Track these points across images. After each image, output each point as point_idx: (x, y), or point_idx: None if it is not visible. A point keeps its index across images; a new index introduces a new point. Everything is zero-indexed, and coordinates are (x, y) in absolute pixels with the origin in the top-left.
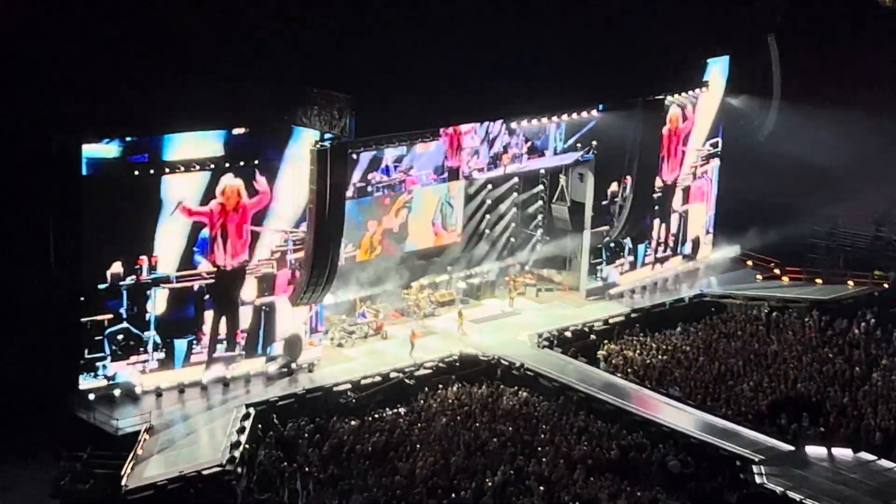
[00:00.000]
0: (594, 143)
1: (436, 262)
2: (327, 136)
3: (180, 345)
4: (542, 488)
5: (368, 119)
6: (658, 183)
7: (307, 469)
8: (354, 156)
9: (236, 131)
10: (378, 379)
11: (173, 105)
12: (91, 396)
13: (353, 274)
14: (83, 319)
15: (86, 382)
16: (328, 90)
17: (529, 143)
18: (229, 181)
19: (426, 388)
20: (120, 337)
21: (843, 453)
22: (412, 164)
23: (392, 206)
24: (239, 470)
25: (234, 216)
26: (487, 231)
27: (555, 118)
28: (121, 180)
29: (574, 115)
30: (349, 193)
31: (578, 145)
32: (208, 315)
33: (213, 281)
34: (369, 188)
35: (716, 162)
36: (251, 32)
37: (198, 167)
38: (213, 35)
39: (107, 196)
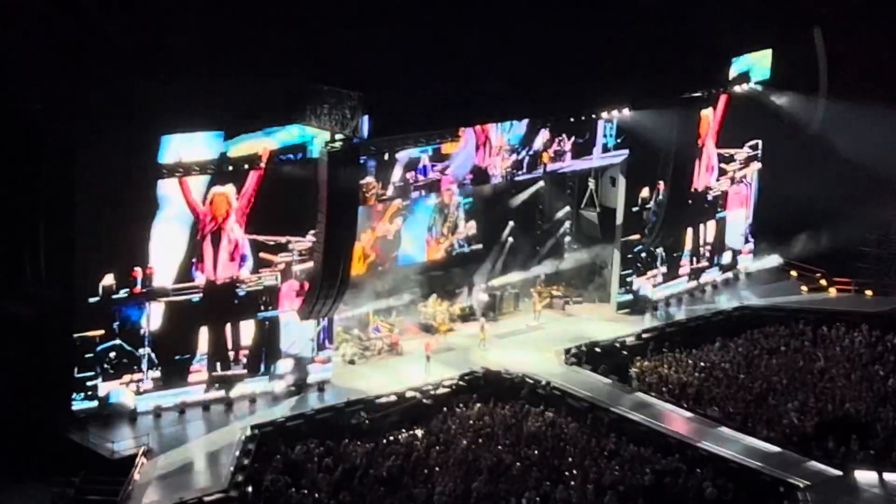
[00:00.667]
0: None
1: (456, 272)
2: (338, 136)
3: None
4: None
5: (383, 118)
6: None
7: (316, 495)
8: (386, 156)
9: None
10: (393, 398)
11: (173, 103)
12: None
13: (367, 285)
14: (74, 335)
15: (78, 404)
16: (339, 88)
17: (573, 140)
18: (218, 188)
19: (445, 409)
20: (112, 354)
21: None
22: (449, 163)
23: (385, 212)
24: (244, 496)
25: (225, 226)
26: (511, 240)
27: (583, 116)
28: (116, 184)
29: (604, 114)
30: (389, 193)
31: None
32: (205, 331)
33: (205, 294)
34: (409, 188)
35: (755, 165)
36: (256, 26)
37: (197, 170)
38: (215, 29)
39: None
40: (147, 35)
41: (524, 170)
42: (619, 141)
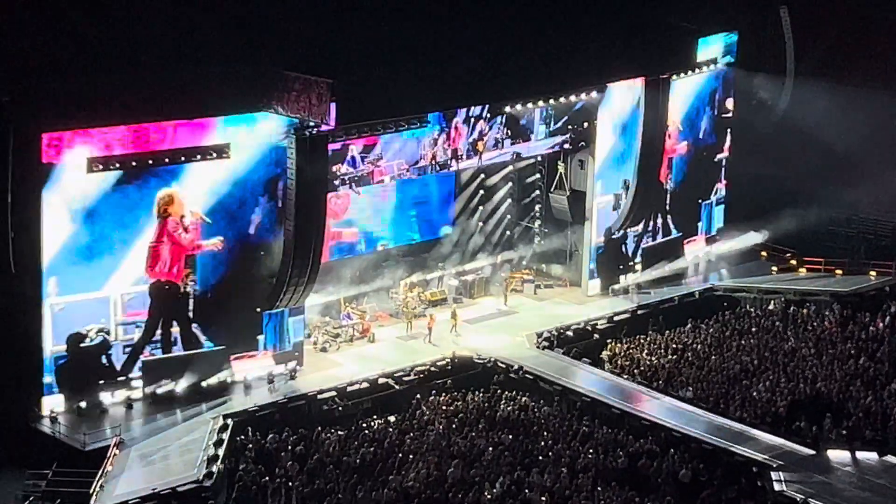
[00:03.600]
0: (586, 124)
1: (426, 258)
2: (306, 124)
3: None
4: (544, 500)
5: (351, 105)
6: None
7: (290, 484)
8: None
9: None
10: (365, 385)
11: (135, 92)
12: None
13: (337, 272)
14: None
15: (50, 399)
16: (306, 74)
17: (508, 129)
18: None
19: (418, 395)
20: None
21: (868, 457)
22: (382, 154)
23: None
24: (216, 486)
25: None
26: (481, 224)
27: (552, 100)
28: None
29: (573, 98)
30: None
31: (570, 127)
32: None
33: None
34: (336, 182)
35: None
36: (218, 10)
37: (168, 161)
38: (176, 14)
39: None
40: (115, 25)
41: (462, 159)
42: (557, 126)
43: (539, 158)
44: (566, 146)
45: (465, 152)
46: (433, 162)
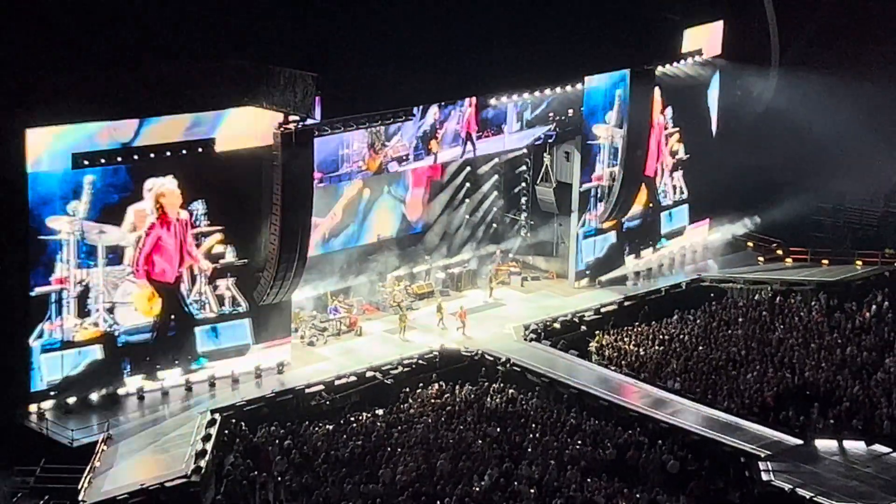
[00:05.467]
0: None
1: (413, 251)
2: (291, 118)
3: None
4: (532, 492)
5: (336, 99)
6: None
7: (279, 478)
8: None
9: None
10: (353, 379)
11: (119, 87)
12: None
13: (324, 266)
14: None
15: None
16: (291, 68)
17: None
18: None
19: (405, 388)
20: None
21: (856, 446)
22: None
23: None
24: (205, 480)
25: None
26: (467, 217)
27: (537, 93)
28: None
29: (558, 90)
30: None
31: (552, 115)
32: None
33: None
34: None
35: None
36: (202, 4)
37: (153, 155)
38: (159, 9)
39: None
40: (98, 20)
41: (411, 159)
42: (535, 115)
43: (525, 150)
44: (549, 139)
45: (410, 153)
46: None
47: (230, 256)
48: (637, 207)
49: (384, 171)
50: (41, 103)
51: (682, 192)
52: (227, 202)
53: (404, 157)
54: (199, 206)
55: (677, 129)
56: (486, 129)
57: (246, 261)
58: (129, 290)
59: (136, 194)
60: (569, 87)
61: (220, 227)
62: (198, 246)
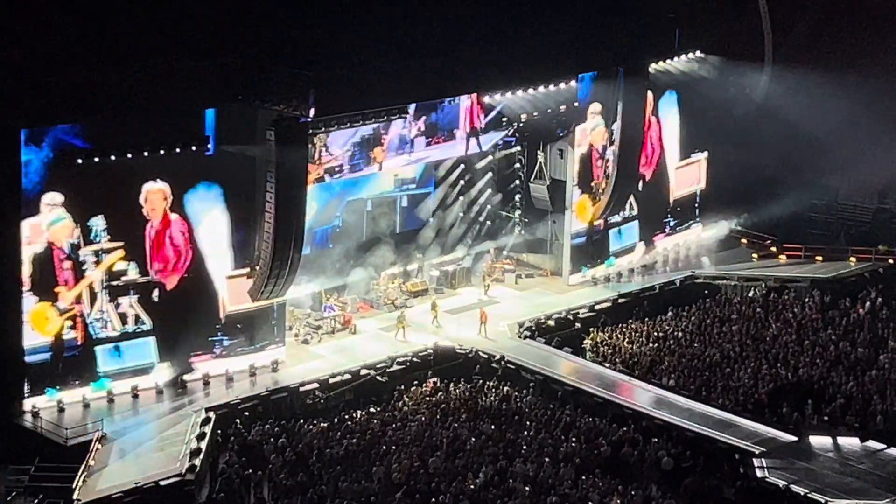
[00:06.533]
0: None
1: (406, 248)
2: (286, 115)
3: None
4: (527, 489)
5: (331, 96)
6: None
7: (273, 476)
8: None
9: None
10: (347, 377)
11: (116, 85)
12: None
13: (317, 264)
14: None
15: (34, 400)
16: (286, 66)
17: (423, 126)
18: (151, 185)
19: (400, 386)
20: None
21: (850, 442)
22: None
23: None
24: (199, 479)
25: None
26: (461, 214)
27: (531, 90)
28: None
29: (551, 87)
30: None
31: (504, 119)
32: None
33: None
34: None
35: None
36: (198, 2)
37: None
38: (155, 7)
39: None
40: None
41: (345, 170)
42: (485, 122)
43: (518, 148)
44: (509, 144)
45: (345, 163)
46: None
47: (133, 273)
48: (581, 224)
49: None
50: (33, 103)
51: (631, 209)
52: (130, 217)
53: (338, 169)
54: (98, 222)
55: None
56: (435, 134)
57: (150, 277)
58: (26, 308)
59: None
60: (562, 85)
61: (120, 244)
62: (97, 263)
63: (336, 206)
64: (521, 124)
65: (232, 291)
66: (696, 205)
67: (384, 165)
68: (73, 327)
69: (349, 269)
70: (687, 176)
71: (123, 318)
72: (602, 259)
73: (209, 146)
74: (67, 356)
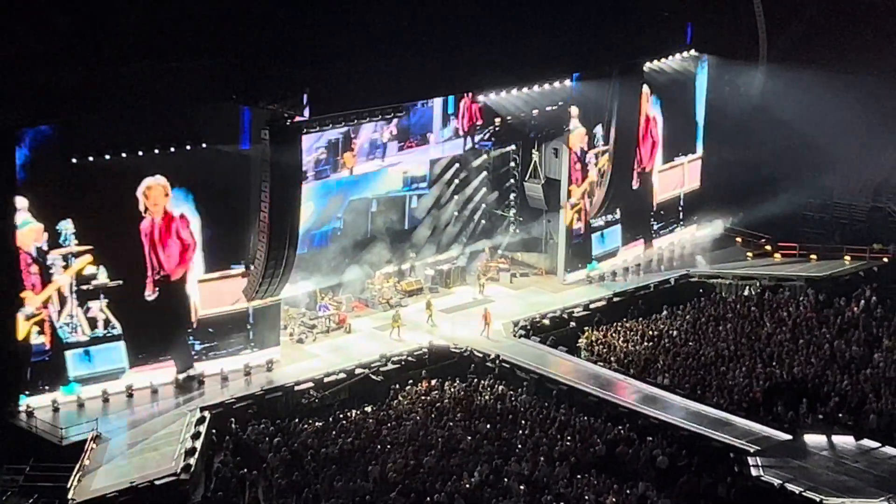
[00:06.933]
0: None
1: (402, 247)
2: (280, 114)
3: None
4: (522, 488)
5: (325, 95)
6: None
7: (269, 475)
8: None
9: None
10: (342, 376)
11: (110, 84)
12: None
13: (312, 263)
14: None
15: (32, 399)
16: (280, 65)
17: (396, 130)
18: (151, 180)
19: (395, 385)
20: None
21: (845, 441)
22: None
23: None
24: (194, 478)
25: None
26: (456, 213)
27: (525, 89)
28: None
29: (546, 86)
30: None
31: (479, 125)
32: None
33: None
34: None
35: None
36: (191, 2)
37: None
38: (149, 7)
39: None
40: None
41: (310, 177)
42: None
43: (513, 147)
44: (484, 148)
45: (310, 169)
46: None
47: (102, 277)
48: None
49: None
50: (30, 102)
51: (614, 213)
52: (100, 220)
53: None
54: (67, 226)
55: (607, 147)
56: (408, 138)
57: (120, 281)
58: None
59: None
60: (556, 83)
61: (90, 247)
62: (66, 267)
63: (337, 206)
64: (496, 128)
65: (204, 295)
66: (680, 208)
67: (354, 170)
68: (41, 332)
69: (345, 267)
70: (670, 179)
71: (93, 322)
72: (584, 263)
73: (240, 142)
74: (36, 361)
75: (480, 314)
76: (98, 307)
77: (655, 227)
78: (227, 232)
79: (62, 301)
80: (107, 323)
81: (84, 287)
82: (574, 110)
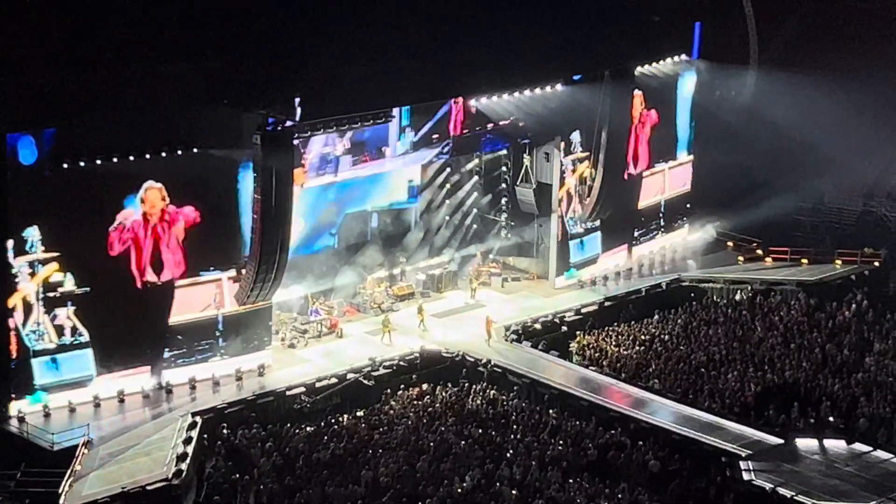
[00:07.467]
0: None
1: (393, 253)
2: (271, 119)
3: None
4: (514, 493)
5: (316, 100)
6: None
7: (260, 480)
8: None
9: None
10: (334, 381)
11: (100, 88)
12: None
13: (304, 268)
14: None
15: (22, 404)
16: (271, 70)
17: (349, 144)
18: (150, 183)
19: (387, 390)
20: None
21: (836, 445)
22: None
23: None
24: (186, 483)
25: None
26: (448, 217)
27: (516, 93)
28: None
29: (538, 90)
30: None
31: (436, 137)
32: None
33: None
34: None
35: None
36: (181, 6)
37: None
38: (138, 11)
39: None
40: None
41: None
42: (417, 138)
43: (504, 151)
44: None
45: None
46: None
47: (69, 284)
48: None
49: None
50: (19, 105)
51: (604, 217)
52: (67, 227)
53: None
54: (32, 232)
55: (587, 153)
56: (362, 152)
57: (87, 288)
58: None
59: None
60: (548, 88)
61: (57, 254)
62: (32, 275)
63: (330, 219)
64: (453, 141)
65: (176, 301)
66: (661, 214)
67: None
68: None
69: (338, 271)
70: (652, 186)
71: (60, 330)
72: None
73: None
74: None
75: (483, 321)
76: (65, 314)
77: (637, 234)
78: (204, 237)
79: (28, 309)
80: (74, 330)
81: (51, 294)
82: None
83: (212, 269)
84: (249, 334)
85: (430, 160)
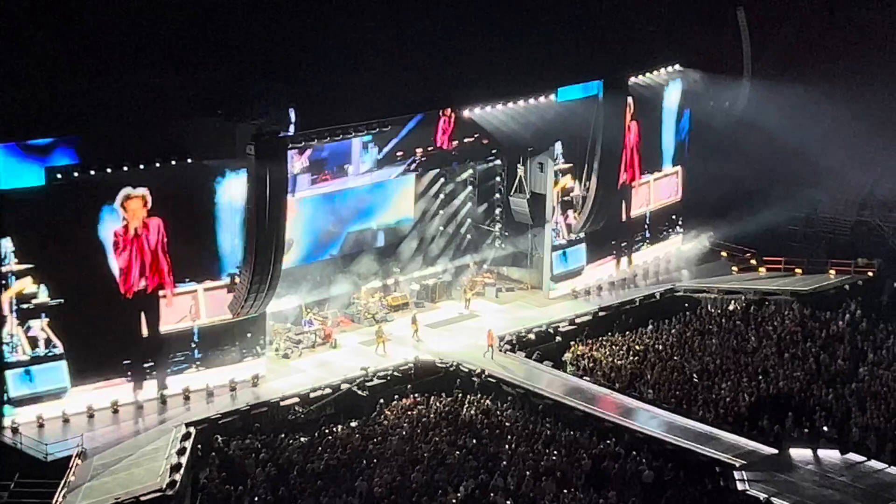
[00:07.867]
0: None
1: (387, 262)
2: (265, 129)
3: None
4: (508, 503)
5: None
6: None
7: (254, 491)
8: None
9: None
10: (328, 391)
11: (92, 99)
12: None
13: (298, 278)
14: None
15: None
16: (266, 81)
17: (308, 161)
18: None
19: (381, 400)
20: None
21: (830, 455)
22: None
23: None
24: (180, 494)
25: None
26: (442, 228)
27: (510, 104)
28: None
29: (531, 101)
30: None
31: (400, 154)
32: None
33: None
34: None
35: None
36: (174, 16)
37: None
38: (136, 21)
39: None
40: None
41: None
42: (381, 156)
43: (499, 162)
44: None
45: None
46: None
47: (43, 296)
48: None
49: None
50: (10, 117)
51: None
52: (40, 239)
53: None
54: (6, 244)
55: (570, 164)
56: (322, 170)
57: (62, 300)
58: None
59: None
60: (541, 98)
61: (31, 266)
62: (6, 287)
63: (330, 238)
64: (418, 159)
65: (155, 312)
66: (646, 225)
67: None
68: None
69: (332, 281)
70: (639, 197)
71: (34, 341)
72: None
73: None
74: None
75: (484, 334)
76: (39, 326)
77: (624, 245)
78: (179, 248)
79: (1, 319)
80: (48, 342)
81: (24, 306)
82: None
83: (187, 280)
84: (227, 346)
85: (397, 175)
